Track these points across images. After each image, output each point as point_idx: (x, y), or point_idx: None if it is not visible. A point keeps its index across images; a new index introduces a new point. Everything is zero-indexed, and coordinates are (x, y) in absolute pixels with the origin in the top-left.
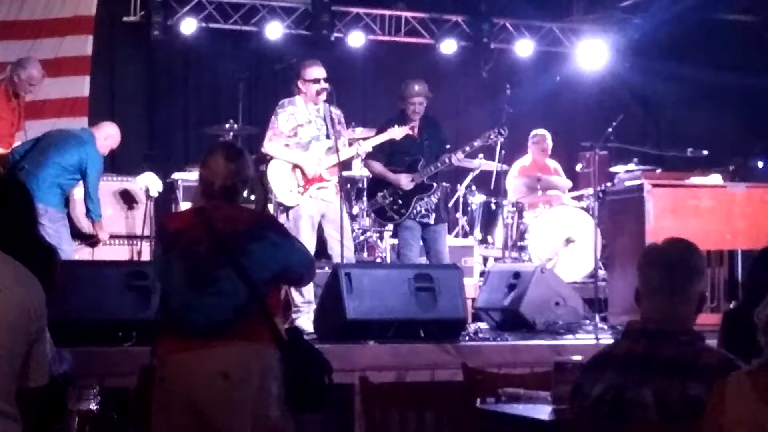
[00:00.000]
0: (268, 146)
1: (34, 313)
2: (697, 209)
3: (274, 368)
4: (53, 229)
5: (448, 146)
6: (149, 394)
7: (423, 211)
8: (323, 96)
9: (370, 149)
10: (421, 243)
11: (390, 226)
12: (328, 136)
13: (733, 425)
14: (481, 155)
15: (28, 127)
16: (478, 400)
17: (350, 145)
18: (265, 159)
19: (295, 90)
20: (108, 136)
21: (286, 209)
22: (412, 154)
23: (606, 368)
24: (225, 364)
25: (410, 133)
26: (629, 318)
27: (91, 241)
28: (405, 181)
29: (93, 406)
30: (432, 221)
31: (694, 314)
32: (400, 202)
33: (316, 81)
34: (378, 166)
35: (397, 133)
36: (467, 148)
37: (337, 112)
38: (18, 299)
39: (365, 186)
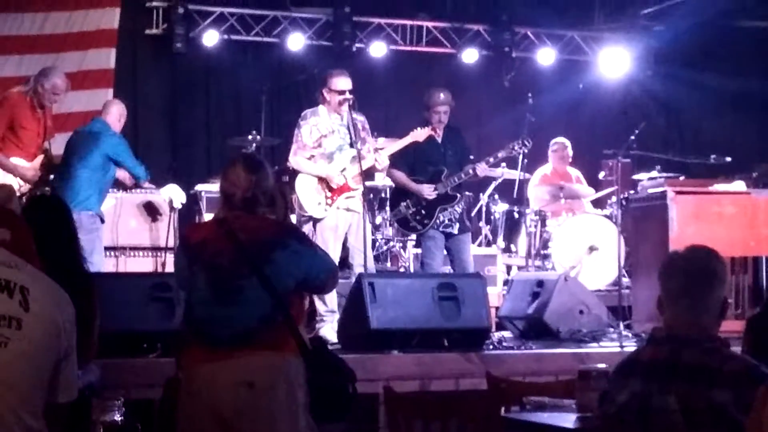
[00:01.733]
0: (293, 160)
1: (63, 331)
2: (721, 216)
3: (300, 377)
4: (85, 240)
5: (471, 156)
6: (174, 405)
7: (446, 221)
8: (345, 106)
9: (387, 159)
10: (445, 252)
11: (413, 236)
12: (352, 145)
13: None
14: (503, 164)
15: (53, 140)
16: (503, 408)
17: (375, 152)
18: (289, 170)
19: (320, 98)
20: (120, 115)
21: (313, 221)
22: (434, 164)
23: (631, 375)
24: (250, 374)
25: (432, 133)
26: (653, 325)
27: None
28: (427, 191)
29: (117, 418)
30: (456, 231)
31: (717, 321)
32: (423, 212)
33: (342, 93)
34: (401, 176)
35: (420, 134)
36: (491, 159)
37: (360, 118)
38: (49, 318)
39: (388, 196)
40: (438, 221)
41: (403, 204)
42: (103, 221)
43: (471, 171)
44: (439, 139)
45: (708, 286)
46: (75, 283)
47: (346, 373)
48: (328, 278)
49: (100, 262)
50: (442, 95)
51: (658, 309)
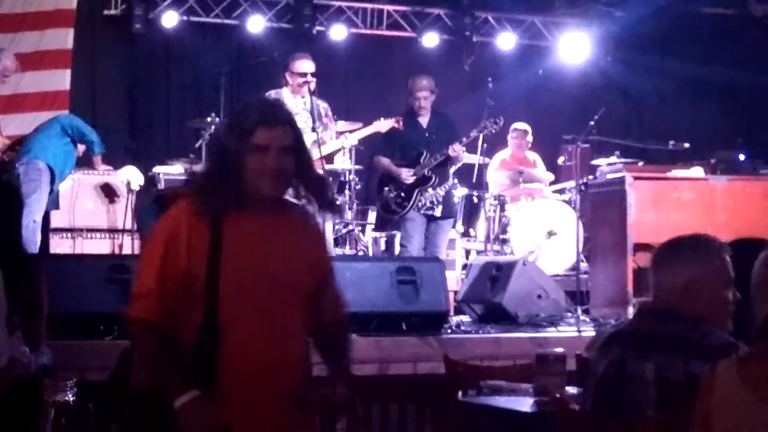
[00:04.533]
0: None
1: None
2: (679, 202)
3: None
4: (25, 187)
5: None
6: (127, 376)
7: (428, 204)
8: (305, 89)
9: (356, 142)
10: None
11: (372, 220)
12: (314, 129)
13: (719, 413)
14: (463, 148)
15: (10, 121)
16: (460, 392)
17: (338, 138)
18: None
19: (283, 81)
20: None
21: None
22: (417, 148)
23: (611, 344)
24: None
25: (395, 126)
26: (611, 310)
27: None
28: (405, 174)
29: (69, 398)
30: (438, 213)
31: (701, 301)
32: (402, 195)
33: (303, 75)
34: (384, 162)
35: (382, 125)
36: (464, 139)
37: (324, 105)
38: None
39: (347, 179)
40: (419, 204)
41: (386, 189)
42: (53, 180)
43: (445, 151)
44: (425, 125)
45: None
46: (16, 267)
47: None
48: None
49: (37, 204)
50: (422, 81)
51: (651, 288)
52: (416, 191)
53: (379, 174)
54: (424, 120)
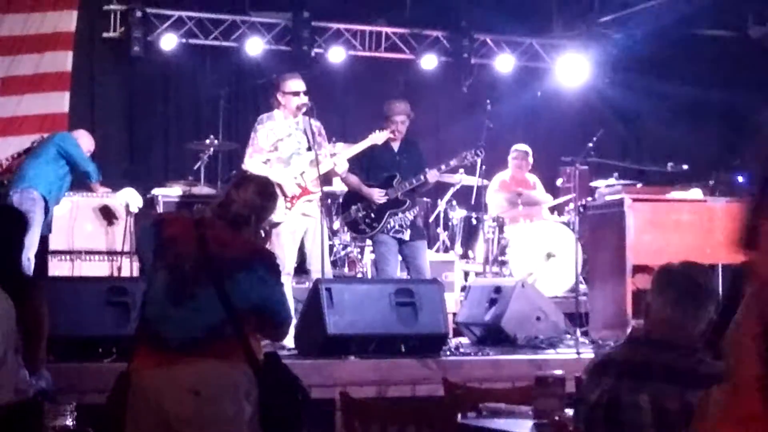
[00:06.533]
0: (248, 163)
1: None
2: (678, 223)
3: (247, 389)
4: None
5: (426, 168)
6: (123, 400)
7: (396, 227)
8: (303, 110)
9: (346, 163)
10: (401, 258)
11: (370, 242)
12: (309, 149)
13: None
14: (461, 170)
15: (8, 143)
16: (459, 414)
17: (331, 157)
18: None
19: (275, 103)
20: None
21: (270, 224)
22: (388, 170)
23: (604, 374)
24: (196, 381)
25: (392, 136)
26: (610, 332)
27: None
28: (377, 195)
29: (69, 422)
30: (407, 237)
31: (700, 336)
32: (372, 215)
33: (296, 94)
34: (354, 180)
35: (379, 137)
36: (443, 167)
37: (316, 124)
38: None
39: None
40: (388, 226)
41: (354, 207)
42: (47, 209)
43: (422, 177)
44: (396, 149)
45: (701, 304)
46: (19, 292)
47: (299, 391)
48: (284, 318)
49: (30, 239)
50: (399, 105)
51: (644, 312)
52: (387, 213)
53: (345, 192)
54: (395, 144)
